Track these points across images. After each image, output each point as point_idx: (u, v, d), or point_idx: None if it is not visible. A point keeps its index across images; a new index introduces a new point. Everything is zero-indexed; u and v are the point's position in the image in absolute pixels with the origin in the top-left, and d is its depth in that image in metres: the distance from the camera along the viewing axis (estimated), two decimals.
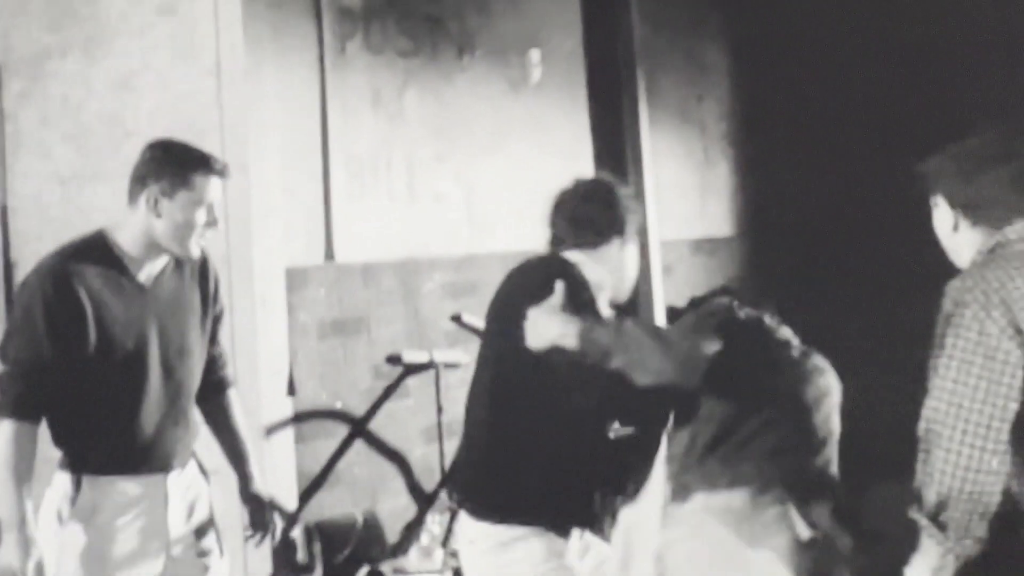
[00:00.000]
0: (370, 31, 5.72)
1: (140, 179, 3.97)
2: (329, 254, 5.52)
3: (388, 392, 5.64)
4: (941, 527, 3.05)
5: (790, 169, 7.30)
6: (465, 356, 5.80)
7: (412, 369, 5.62)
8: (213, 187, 3.97)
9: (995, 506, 3.03)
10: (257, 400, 5.17)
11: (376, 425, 5.58)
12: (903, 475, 3.18)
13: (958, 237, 3.36)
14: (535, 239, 6.32)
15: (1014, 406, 3.03)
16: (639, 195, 6.84)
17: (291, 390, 5.28)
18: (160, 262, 4.00)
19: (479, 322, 5.79)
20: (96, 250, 3.96)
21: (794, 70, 7.50)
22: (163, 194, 3.92)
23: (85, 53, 5.71)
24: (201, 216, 3.96)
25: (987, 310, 3.10)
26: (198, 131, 5.33)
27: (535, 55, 6.41)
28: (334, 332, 5.47)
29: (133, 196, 3.97)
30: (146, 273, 3.98)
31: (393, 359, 5.58)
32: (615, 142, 6.82)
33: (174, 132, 5.40)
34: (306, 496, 5.32)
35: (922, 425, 3.12)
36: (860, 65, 7.67)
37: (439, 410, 5.57)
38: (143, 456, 3.99)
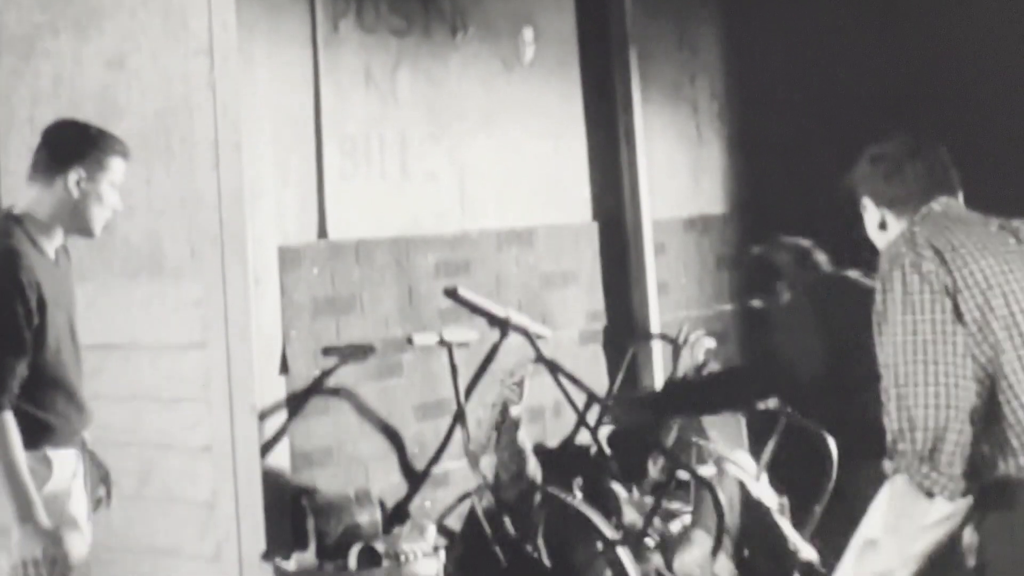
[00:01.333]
0: (363, 10, 5.72)
1: (61, 159, 4.05)
2: (322, 232, 5.52)
3: (385, 368, 5.65)
4: (898, 457, 3.25)
5: (783, 147, 7.31)
6: (475, 335, 5.82)
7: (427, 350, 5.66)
8: (122, 171, 4.11)
9: (956, 443, 3.19)
10: (250, 379, 5.18)
11: (370, 403, 5.60)
12: None
13: (887, 233, 3.63)
14: (526, 217, 6.35)
15: (950, 347, 3.23)
16: (631, 174, 6.84)
17: (284, 368, 5.29)
18: (58, 241, 4.11)
19: (475, 296, 5.80)
20: (17, 228, 4.03)
21: (786, 49, 7.50)
22: (87, 175, 4.02)
23: (77, 32, 5.71)
24: (112, 198, 4.07)
25: (918, 263, 3.32)
26: (190, 110, 5.34)
27: (528, 34, 6.41)
28: (327, 310, 5.48)
29: (49, 175, 4.05)
30: (52, 251, 4.09)
31: (405, 342, 5.60)
32: (608, 121, 6.82)
33: (166, 111, 5.43)
34: (299, 474, 5.34)
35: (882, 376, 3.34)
36: (852, 43, 7.68)
37: (456, 390, 5.57)
38: (78, 427, 4.08)
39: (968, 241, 3.36)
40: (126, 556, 5.57)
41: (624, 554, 5.02)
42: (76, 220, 4.10)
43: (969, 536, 3.33)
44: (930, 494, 3.20)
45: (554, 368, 5.66)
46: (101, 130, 4.20)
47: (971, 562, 3.32)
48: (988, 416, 3.22)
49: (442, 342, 5.62)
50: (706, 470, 5.58)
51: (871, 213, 3.67)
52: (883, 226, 3.62)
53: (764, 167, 7.41)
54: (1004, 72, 7.32)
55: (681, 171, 7.20)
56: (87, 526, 4.20)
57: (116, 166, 4.13)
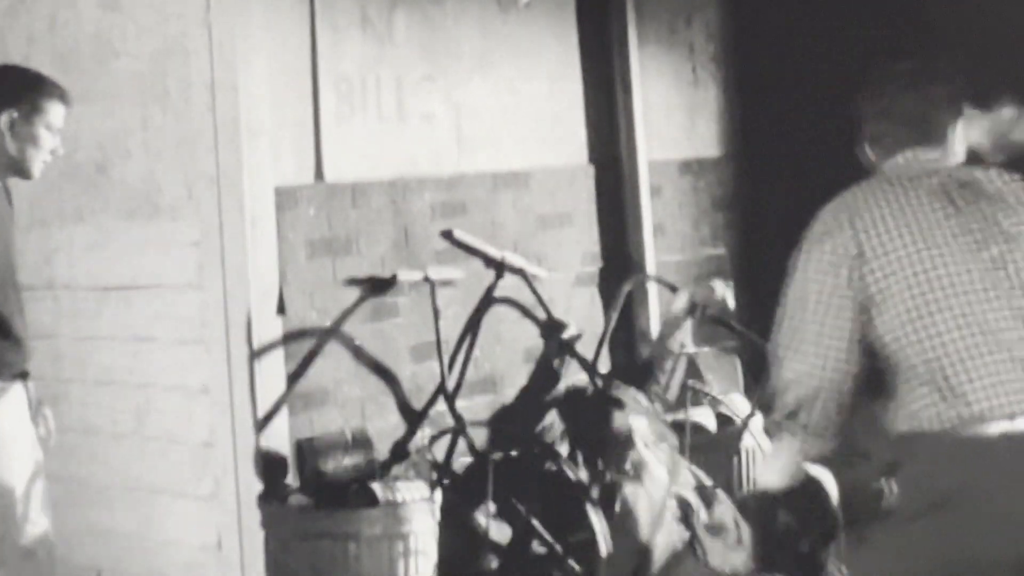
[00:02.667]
0: None
1: None
2: (319, 174, 5.53)
3: (380, 308, 5.67)
4: (792, 425, 3.34)
5: (779, 90, 7.29)
6: (459, 273, 5.83)
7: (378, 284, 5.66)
8: (62, 115, 4.21)
9: (824, 409, 3.30)
10: (247, 319, 5.20)
11: (366, 344, 5.62)
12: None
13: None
14: (522, 159, 6.35)
15: (841, 314, 3.27)
16: (627, 116, 6.84)
17: (281, 309, 5.31)
18: None
19: (471, 238, 5.81)
20: None
21: None
22: (22, 118, 4.14)
23: None
24: (50, 141, 4.18)
25: (829, 229, 3.34)
26: (186, 51, 5.34)
27: None
28: (324, 251, 5.50)
29: None
30: None
31: (388, 281, 5.60)
32: (603, 63, 6.81)
33: (162, 52, 5.42)
34: (296, 415, 5.37)
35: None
36: None
37: (437, 330, 5.58)
38: (15, 361, 4.24)
39: (892, 210, 3.31)
40: (124, 495, 5.61)
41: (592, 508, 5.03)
42: (11, 162, 4.23)
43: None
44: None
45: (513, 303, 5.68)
46: (40, 74, 4.37)
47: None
48: (889, 379, 3.26)
49: (426, 279, 5.63)
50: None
51: (865, 152, 3.62)
52: (873, 164, 3.59)
53: (761, 109, 7.40)
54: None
55: (677, 113, 7.20)
56: (38, 454, 4.30)
57: (53, 109, 4.27)
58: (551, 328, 5.47)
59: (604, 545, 4.95)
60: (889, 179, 3.43)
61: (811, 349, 3.28)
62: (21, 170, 4.26)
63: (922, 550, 3.17)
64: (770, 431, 3.56)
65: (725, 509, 5.14)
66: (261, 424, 5.20)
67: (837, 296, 3.28)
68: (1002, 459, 3.15)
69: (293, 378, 5.32)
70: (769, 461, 3.60)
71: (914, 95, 3.53)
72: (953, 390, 3.15)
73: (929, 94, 3.53)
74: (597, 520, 4.96)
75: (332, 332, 5.50)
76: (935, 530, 3.15)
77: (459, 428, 5.39)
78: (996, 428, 3.15)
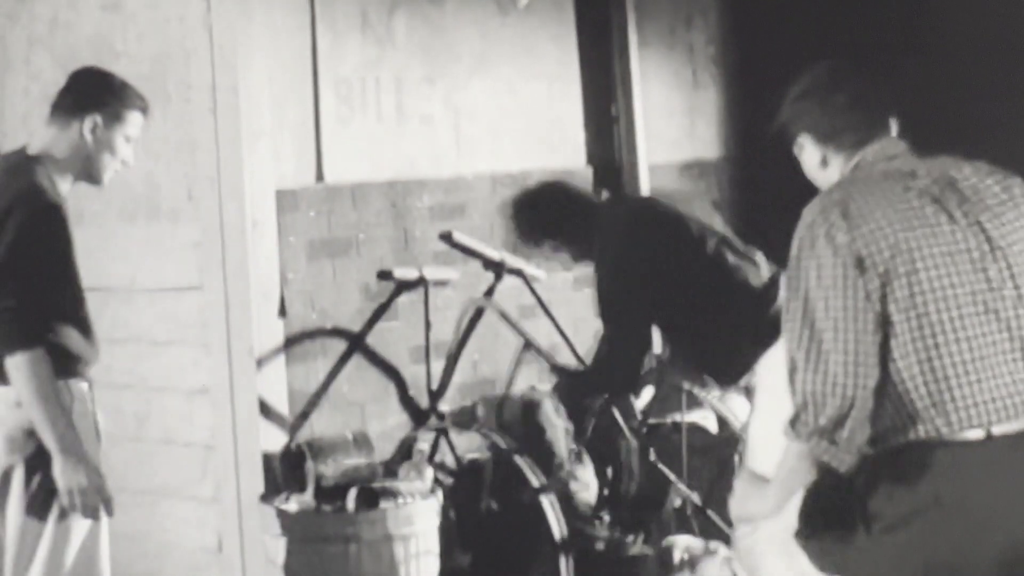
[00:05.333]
0: None
1: (81, 104, 4.14)
2: (319, 176, 5.54)
3: (381, 310, 5.67)
4: (799, 430, 3.21)
5: (779, 91, 7.28)
6: (455, 273, 5.83)
7: (403, 285, 5.65)
8: (139, 126, 4.19)
9: (858, 419, 3.16)
10: (248, 321, 5.21)
11: (366, 345, 5.62)
12: None
13: (828, 171, 3.51)
14: (521, 161, 6.35)
15: (860, 317, 3.16)
16: (627, 118, 6.84)
17: (282, 311, 5.32)
18: (67, 186, 4.21)
19: (470, 240, 5.82)
20: (38, 167, 4.12)
21: None
22: (103, 123, 4.10)
23: None
24: (124, 150, 4.16)
25: (832, 234, 3.23)
26: (187, 52, 5.34)
27: None
28: (324, 253, 5.50)
29: (67, 118, 4.14)
30: (64, 192, 4.19)
31: (384, 275, 5.61)
32: (603, 65, 6.82)
33: (163, 54, 5.43)
34: (299, 416, 5.38)
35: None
36: None
37: (427, 327, 5.60)
38: (91, 360, 4.19)
39: (881, 206, 3.25)
40: (124, 497, 5.60)
41: (548, 501, 5.06)
42: (86, 166, 4.17)
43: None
44: (826, 466, 3.20)
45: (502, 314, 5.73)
46: (125, 82, 4.27)
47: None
48: (888, 388, 3.21)
49: (422, 279, 5.64)
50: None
51: (809, 152, 3.53)
52: (824, 163, 3.50)
53: (761, 111, 7.39)
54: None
55: (677, 115, 7.20)
56: (98, 456, 4.29)
57: (133, 120, 4.21)
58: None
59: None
60: (874, 171, 3.37)
61: (839, 364, 3.16)
62: (92, 176, 4.22)
63: (904, 557, 3.17)
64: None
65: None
66: (262, 426, 5.20)
67: (856, 307, 3.18)
68: (981, 466, 3.15)
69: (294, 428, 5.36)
70: (762, 489, 3.37)
71: (873, 86, 3.51)
72: (933, 397, 3.15)
73: (882, 85, 3.51)
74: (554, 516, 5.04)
75: (334, 332, 5.52)
76: (916, 537, 3.15)
77: (442, 428, 5.44)
78: (975, 435, 3.15)
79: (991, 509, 3.13)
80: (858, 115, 3.46)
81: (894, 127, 3.50)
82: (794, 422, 3.21)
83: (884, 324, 3.18)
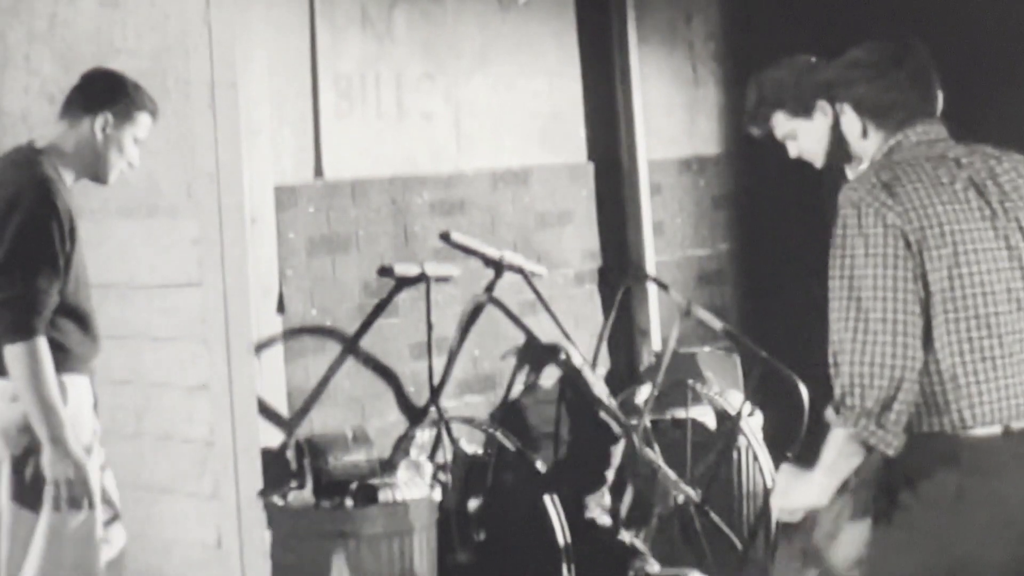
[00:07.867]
0: None
1: (93, 102, 4.17)
2: (318, 172, 5.53)
3: (380, 306, 5.67)
4: (845, 413, 3.16)
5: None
6: (456, 270, 5.83)
7: (403, 282, 5.65)
8: (148, 128, 4.21)
9: (905, 401, 3.13)
10: (247, 317, 5.20)
11: (365, 342, 5.62)
12: None
13: (866, 143, 3.46)
14: (522, 157, 6.35)
15: (910, 297, 3.14)
16: (627, 114, 6.84)
17: (281, 307, 5.32)
18: (71, 181, 4.22)
19: (468, 240, 5.82)
20: (44, 159, 4.14)
21: None
22: (113, 123, 4.13)
23: None
24: (131, 151, 4.18)
25: (883, 212, 3.20)
26: (186, 48, 5.33)
27: None
28: (323, 249, 5.50)
29: (78, 115, 4.17)
30: (70, 186, 4.20)
31: (385, 271, 5.61)
32: (603, 61, 6.81)
33: (162, 51, 5.42)
34: (297, 413, 5.38)
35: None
36: None
37: (429, 325, 5.59)
38: (91, 355, 4.24)
39: (929, 192, 3.23)
40: (124, 493, 5.60)
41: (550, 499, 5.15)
42: (94, 163, 4.21)
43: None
44: (872, 449, 3.16)
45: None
46: (138, 84, 4.31)
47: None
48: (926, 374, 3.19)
49: (423, 275, 5.64)
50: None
51: (850, 119, 3.46)
52: (865, 134, 3.45)
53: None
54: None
55: (677, 111, 7.20)
56: (100, 450, 4.30)
57: (143, 121, 4.26)
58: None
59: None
60: (916, 154, 3.33)
61: (888, 345, 3.12)
62: (99, 174, 4.26)
63: (926, 548, 3.17)
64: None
65: None
66: (261, 422, 5.20)
67: (906, 287, 3.14)
68: (1003, 460, 3.17)
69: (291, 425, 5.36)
70: (807, 478, 3.29)
71: (931, 69, 3.45)
72: (960, 390, 3.16)
73: (923, 65, 3.46)
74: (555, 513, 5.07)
75: (332, 330, 5.52)
76: (938, 529, 3.16)
77: (443, 424, 5.44)
78: (994, 430, 3.16)
79: (1012, 503, 3.15)
80: (913, 95, 3.41)
81: (939, 108, 3.47)
82: (839, 406, 3.17)
83: (925, 310, 3.17)
